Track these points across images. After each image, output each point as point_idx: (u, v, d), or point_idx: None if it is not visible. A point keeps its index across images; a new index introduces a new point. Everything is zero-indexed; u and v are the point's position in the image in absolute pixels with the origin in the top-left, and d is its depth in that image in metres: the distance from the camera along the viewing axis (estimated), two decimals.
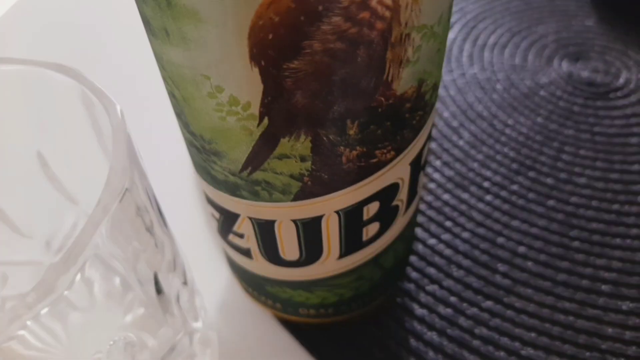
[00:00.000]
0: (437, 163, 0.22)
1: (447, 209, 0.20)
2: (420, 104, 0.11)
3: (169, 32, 0.09)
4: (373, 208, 0.13)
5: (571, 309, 0.18)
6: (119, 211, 0.10)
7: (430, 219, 0.20)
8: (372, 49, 0.09)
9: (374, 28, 0.09)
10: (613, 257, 0.19)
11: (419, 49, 0.10)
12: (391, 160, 0.12)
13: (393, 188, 0.13)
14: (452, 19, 0.29)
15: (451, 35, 0.28)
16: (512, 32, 0.28)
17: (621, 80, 0.25)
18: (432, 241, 0.20)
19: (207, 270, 0.19)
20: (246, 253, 0.15)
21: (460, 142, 0.23)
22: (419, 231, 0.20)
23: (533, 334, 0.17)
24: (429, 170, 0.22)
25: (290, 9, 0.08)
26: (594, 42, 0.27)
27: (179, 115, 0.12)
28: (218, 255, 0.20)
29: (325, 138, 0.10)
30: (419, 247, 0.19)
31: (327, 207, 0.12)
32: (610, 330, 0.17)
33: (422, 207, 0.21)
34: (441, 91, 0.25)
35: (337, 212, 0.12)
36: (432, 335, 0.17)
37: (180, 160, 0.23)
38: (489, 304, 0.18)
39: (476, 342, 0.17)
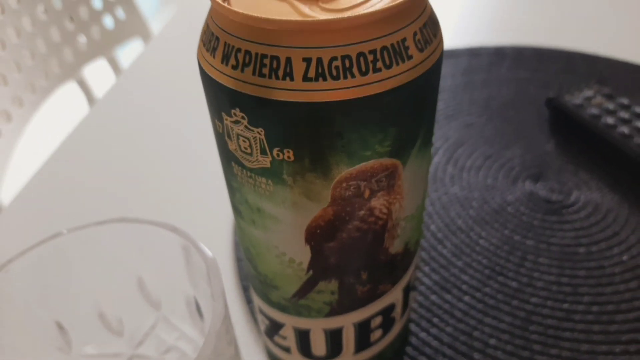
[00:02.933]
0: (426, 269, 0.28)
1: (434, 308, 0.26)
2: (407, 255, 0.18)
3: (255, 222, 0.16)
4: (377, 320, 0.19)
5: None
6: (220, 335, 0.16)
7: (421, 316, 0.26)
8: (376, 234, 0.16)
9: (377, 224, 0.15)
10: (563, 347, 0.24)
11: (404, 228, 0.16)
12: (389, 290, 0.18)
13: (391, 306, 0.19)
14: (437, 144, 0.36)
15: (436, 159, 0.35)
16: (485, 156, 0.35)
17: (572, 198, 0.32)
18: (422, 334, 0.25)
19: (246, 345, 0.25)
20: (287, 349, 0.20)
21: (444, 251, 0.29)
22: (412, 326, 0.26)
23: None
24: (419, 274, 0.28)
25: (330, 219, 0.15)
26: (551, 164, 0.34)
27: (250, 260, 0.18)
28: (259, 353, 0.25)
29: (347, 281, 0.17)
30: (413, 339, 0.25)
31: (347, 321, 0.18)
32: None
33: (415, 306, 0.26)
34: (428, 207, 0.32)
35: (353, 324, 0.18)
36: None
37: (224, 253, 0.29)
38: None
39: None
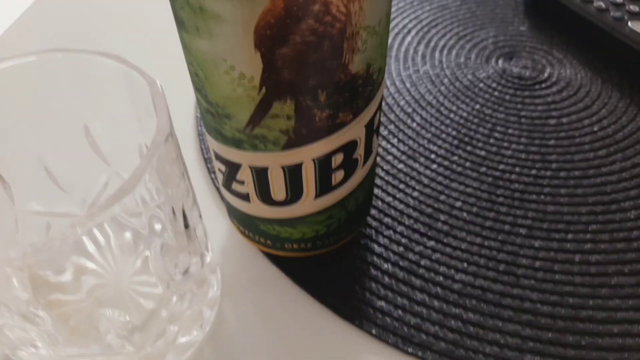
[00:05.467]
0: (394, 140, 0.27)
1: (401, 175, 0.26)
2: (369, 81, 0.16)
3: (199, 29, 0.14)
4: (339, 159, 0.18)
5: (495, 246, 0.23)
6: (165, 150, 0.15)
7: (388, 182, 0.25)
8: (333, 41, 0.14)
9: (334, 27, 0.14)
10: (529, 208, 0.24)
11: (365, 42, 0.15)
12: (350, 121, 0.17)
13: (353, 144, 0.18)
14: (409, 26, 0.35)
15: (408, 39, 0.33)
16: (458, 36, 0.34)
17: (545, 75, 0.31)
18: (389, 199, 0.25)
19: (211, 219, 0.24)
20: (245, 197, 0.19)
21: (413, 124, 0.28)
22: (379, 192, 0.25)
23: (465, 264, 0.22)
24: (387, 145, 0.27)
25: (281, 15, 0.13)
26: (525, 44, 0.33)
27: (199, 89, 0.17)
28: (219, 208, 0.24)
29: (303, 103, 0.15)
30: (379, 203, 0.24)
31: (306, 156, 0.17)
32: (524, 261, 0.22)
33: (382, 173, 0.26)
34: (398, 84, 0.30)
35: (313, 160, 0.17)
36: (387, 266, 0.22)
37: (188, 131, 0.28)
38: (431, 243, 0.23)
39: (422, 270, 0.22)
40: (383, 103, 0.29)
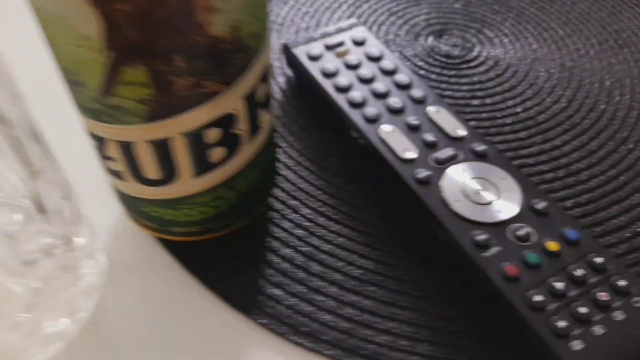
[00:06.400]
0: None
1: (312, 155, 0.24)
2: (239, 47, 0.15)
3: None
4: (214, 134, 0.16)
5: (400, 230, 0.22)
6: None
7: (298, 162, 0.24)
8: None
9: None
10: None
11: (225, 0, 0.13)
12: (220, 92, 0.15)
13: (229, 118, 0.16)
14: (340, 0, 0.33)
15: (338, 13, 0.32)
16: (390, 12, 0.32)
17: (474, 53, 0.30)
18: (298, 180, 0.23)
19: (101, 202, 0.22)
20: (118, 175, 0.18)
21: None
22: (287, 173, 0.24)
23: (369, 249, 0.21)
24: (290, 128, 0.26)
25: None
26: (458, 21, 0.32)
27: (54, 58, 0.15)
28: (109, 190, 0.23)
29: (157, 68, 0.14)
30: (287, 185, 0.23)
31: (172, 129, 0.15)
32: (425, 249, 0.21)
33: (294, 153, 0.24)
34: None
35: (182, 134, 0.16)
36: (286, 251, 0.21)
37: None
38: (337, 227, 0.22)
39: (322, 256, 0.21)
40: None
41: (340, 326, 0.19)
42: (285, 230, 0.22)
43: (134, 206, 0.19)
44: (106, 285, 0.20)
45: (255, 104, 0.17)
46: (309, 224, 0.22)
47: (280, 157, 0.24)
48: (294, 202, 0.23)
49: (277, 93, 0.27)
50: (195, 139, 0.16)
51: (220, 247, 0.21)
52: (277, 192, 0.23)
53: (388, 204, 0.23)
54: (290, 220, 0.22)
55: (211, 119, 0.16)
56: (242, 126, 0.17)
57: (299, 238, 0.21)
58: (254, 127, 0.18)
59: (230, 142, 0.17)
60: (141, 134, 0.16)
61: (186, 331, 0.19)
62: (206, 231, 0.20)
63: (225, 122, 0.16)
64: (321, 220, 0.22)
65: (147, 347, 0.19)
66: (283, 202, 0.23)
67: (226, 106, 0.16)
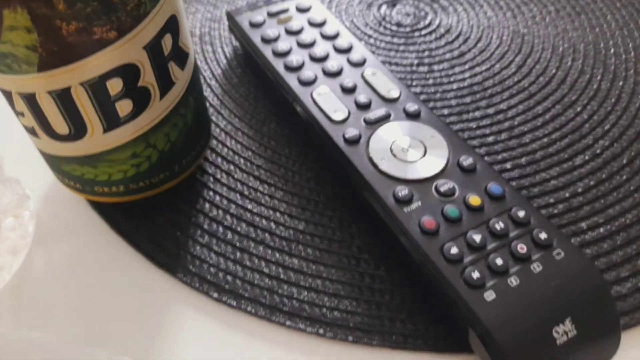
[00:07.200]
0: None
1: (249, 118, 0.24)
2: None
3: None
4: (117, 85, 0.16)
5: (331, 193, 0.22)
6: None
7: (234, 125, 0.24)
8: None
9: None
10: None
11: None
12: (115, 39, 0.15)
13: (131, 68, 0.16)
14: None
15: None
16: None
17: (426, 22, 0.30)
18: (231, 142, 0.23)
19: (34, 165, 0.22)
20: (33, 132, 0.18)
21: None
22: (222, 135, 0.23)
23: (300, 210, 0.21)
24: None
25: None
26: None
27: None
28: None
29: (38, 11, 0.14)
30: (220, 147, 0.23)
31: (70, 79, 0.15)
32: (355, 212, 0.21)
33: (229, 116, 0.24)
34: None
35: (81, 84, 0.16)
36: (216, 212, 0.21)
37: None
38: (271, 189, 0.22)
39: (252, 217, 0.21)
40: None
41: (263, 284, 0.19)
42: (217, 193, 0.22)
43: (56, 166, 0.19)
44: (33, 247, 0.20)
45: (162, 56, 0.17)
46: (242, 187, 0.22)
47: (221, 125, 0.24)
48: (229, 166, 0.22)
49: (221, 62, 0.27)
50: (97, 89, 0.16)
51: (151, 210, 0.21)
52: (213, 156, 0.23)
53: (322, 167, 0.22)
54: (223, 184, 0.22)
55: (110, 68, 0.16)
56: (148, 79, 0.17)
57: (231, 201, 0.21)
58: (165, 82, 0.17)
59: (138, 96, 0.17)
60: (39, 84, 0.15)
61: (111, 292, 0.19)
62: (130, 192, 0.20)
63: (128, 73, 0.16)
64: (255, 183, 0.22)
65: (70, 307, 0.19)
66: (217, 166, 0.22)
67: (126, 56, 0.16)
